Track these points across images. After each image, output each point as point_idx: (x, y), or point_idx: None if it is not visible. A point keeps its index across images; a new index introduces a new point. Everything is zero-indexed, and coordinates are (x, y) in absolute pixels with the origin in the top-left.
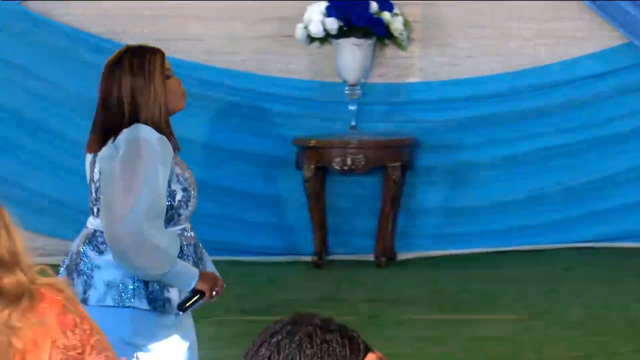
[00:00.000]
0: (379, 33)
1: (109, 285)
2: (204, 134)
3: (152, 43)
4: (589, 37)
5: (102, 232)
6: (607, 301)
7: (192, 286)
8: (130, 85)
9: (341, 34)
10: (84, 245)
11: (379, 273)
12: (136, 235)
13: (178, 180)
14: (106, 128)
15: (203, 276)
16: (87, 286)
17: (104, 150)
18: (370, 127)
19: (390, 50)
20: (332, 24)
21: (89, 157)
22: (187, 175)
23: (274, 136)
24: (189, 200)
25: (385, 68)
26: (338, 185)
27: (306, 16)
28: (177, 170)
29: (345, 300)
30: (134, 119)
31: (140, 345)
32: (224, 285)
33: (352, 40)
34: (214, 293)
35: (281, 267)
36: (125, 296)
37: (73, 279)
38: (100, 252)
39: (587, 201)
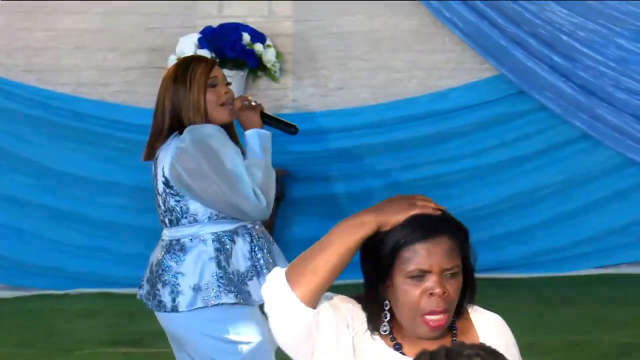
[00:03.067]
0: (252, 65)
1: (195, 288)
2: (75, 165)
3: (24, 74)
4: (460, 68)
5: (178, 240)
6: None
7: (263, 130)
8: (172, 94)
9: None
10: (163, 256)
11: None
12: (260, 198)
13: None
14: (153, 135)
15: (246, 123)
16: (175, 294)
17: (163, 161)
18: None
19: (263, 82)
20: (205, 55)
21: (153, 162)
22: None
23: (148, 168)
24: None
25: (258, 99)
26: None
27: (179, 47)
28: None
29: None
30: (177, 126)
31: (240, 340)
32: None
33: (225, 71)
34: (253, 103)
35: None
36: (213, 294)
37: (158, 290)
38: (180, 259)
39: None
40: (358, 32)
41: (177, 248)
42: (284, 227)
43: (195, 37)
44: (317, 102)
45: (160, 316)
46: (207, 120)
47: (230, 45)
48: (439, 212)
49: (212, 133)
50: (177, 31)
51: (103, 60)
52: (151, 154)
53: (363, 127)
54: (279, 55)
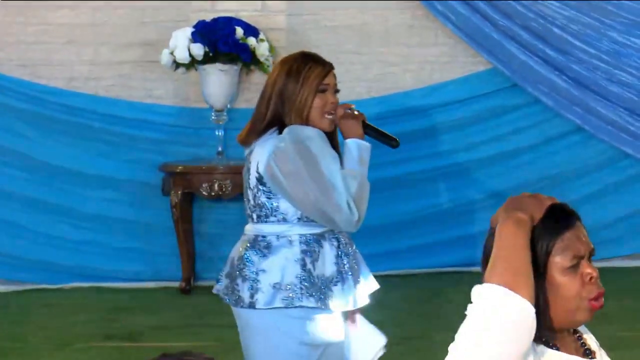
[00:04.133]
0: (245, 59)
1: (275, 287)
2: (68, 159)
3: (17, 68)
4: (453, 62)
5: (264, 237)
6: None
7: (364, 141)
8: (283, 86)
9: (207, 59)
10: (246, 250)
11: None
12: (352, 211)
13: None
14: (254, 120)
15: (348, 132)
16: (254, 290)
17: (259, 157)
18: (237, 153)
19: (256, 76)
20: (198, 49)
21: (245, 155)
22: None
23: (141, 162)
24: None
25: (252, 93)
26: (205, 211)
27: (172, 42)
28: None
29: (211, 326)
30: (277, 119)
31: (311, 343)
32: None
33: (218, 65)
34: (356, 113)
35: (148, 293)
36: (295, 296)
37: (237, 284)
38: (264, 256)
39: (452, 226)
40: (351, 26)
41: (262, 245)
42: None
43: (188, 31)
44: None
45: (237, 311)
46: (306, 122)
47: (223, 40)
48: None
49: (313, 136)
50: (171, 25)
51: (96, 54)
52: (247, 142)
53: None
54: (272, 49)
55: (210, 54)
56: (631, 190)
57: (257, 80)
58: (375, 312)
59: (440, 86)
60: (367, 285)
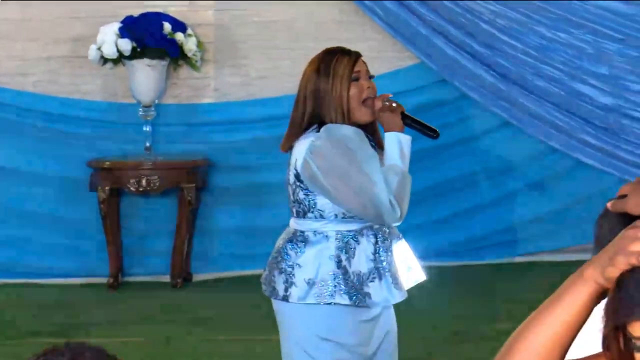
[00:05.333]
0: (173, 54)
1: (309, 283)
2: None
3: None
4: (381, 57)
5: (302, 232)
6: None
7: (404, 134)
8: (315, 85)
9: (135, 55)
10: (285, 244)
11: (175, 294)
12: (394, 208)
13: None
14: (292, 128)
15: (388, 125)
16: (289, 284)
17: (298, 154)
18: (165, 148)
19: (184, 71)
20: (126, 45)
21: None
22: None
23: (68, 158)
24: None
25: (180, 89)
26: (133, 206)
27: (99, 37)
28: None
29: (141, 322)
30: (317, 119)
31: (336, 340)
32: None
33: (146, 61)
34: (394, 104)
35: (76, 289)
36: (327, 293)
37: (274, 276)
38: (301, 251)
39: None
40: (280, 21)
41: (299, 239)
42: (206, 216)
43: (116, 26)
44: (238, 92)
45: (273, 302)
46: (348, 118)
47: (150, 35)
48: None
49: (350, 134)
50: (100, 21)
51: (24, 50)
52: (287, 146)
53: (285, 117)
54: (200, 44)
55: (138, 50)
56: (559, 184)
57: (185, 76)
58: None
59: None
60: (411, 278)
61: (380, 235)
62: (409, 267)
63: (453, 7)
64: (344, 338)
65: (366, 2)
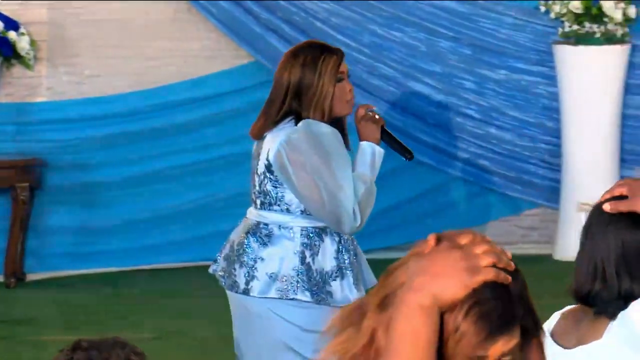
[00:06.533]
0: (5, 53)
1: (272, 277)
2: None
3: None
4: (216, 56)
5: (266, 225)
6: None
7: (379, 147)
8: (299, 79)
9: None
10: (247, 236)
11: (8, 294)
12: (356, 217)
13: None
14: (268, 113)
15: (365, 134)
16: (250, 277)
17: (270, 145)
18: None
19: (17, 70)
20: None
21: (255, 144)
22: None
23: None
24: None
25: (13, 87)
26: None
27: None
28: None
29: (34, 322)
30: (295, 111)
31: (309, 329)
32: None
33: None
34: (377, 117)
35: None
36: (289, 288)
37: (234, 269)
38: (264, 244)
39: (220, 219)
40: (113, 20)
41: (263, 232)
42: (40, 215)
43: None
44: (72, 90)
45: (231, 295)
46: (329, 116)
47: None
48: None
49: (328, 133)
50: None
51: None
52: (259, 135)
53: (119, 115)
54: (33, 43)
55: None
56: (394, 183)
57: (19, 75)
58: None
59: (203, 80)
60: (368, 281)
61: (343, 235)
62: (366, 271)
63: (288, 6)
64: (311, 326)
65: (200, 0)
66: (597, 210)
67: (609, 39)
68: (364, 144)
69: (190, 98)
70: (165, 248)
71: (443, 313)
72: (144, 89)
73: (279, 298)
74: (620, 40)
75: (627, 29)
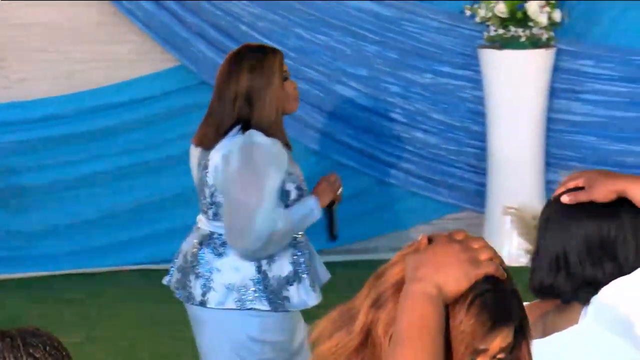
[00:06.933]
0: None
1: (229, 288)
2: None
3: None
4: (141, 59)
5: (220, 235)
6: (158, 322)
7: (319, 211)
8: (248, 84)
9: None
10: (201, 247)
11: None
12: (265, 240)
13: (292, 179)
14: (217, 124)
15: (319, 193)
16: (207, 289)
17: (216, 157)
18: None
19: None
20: None
21: (195, 151)
22: (298, 172)
23: None
24: (302, 197)
25: None
26: None
27: None
28: (290, 169)
29: None
30: (246, 118)
31: (269, 341)
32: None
33: None
34: (339, 191)
35: None
36: (247, 298)
37: (189, 281)
38: (220, 255)
39: (144, 224)
40: (39, 24)
41: (218, 243)
42: None
43: None
44: None
45: (189, 308)
46: (282, 112)
47: None
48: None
49: (265, 144)
50: None
51: None
52: (211, 146)
53: (45, 119)
54: None
55: None
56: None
57: None
58: (65, 309)
59: (128, 83)
60: (322, 277)
61: (298, 239)
62: (320, 269)
63: (213, 10)
64: (273, 337)
65: (124, 3)
66: (554, 204)
67: (534, 43)
68: (313, 201)
69: (117, 102)
70: (89, 253)
71: (446, 306)
72: (71, 92)
73: (237, 309)
74: (545, 44)
75: (552, 33)
